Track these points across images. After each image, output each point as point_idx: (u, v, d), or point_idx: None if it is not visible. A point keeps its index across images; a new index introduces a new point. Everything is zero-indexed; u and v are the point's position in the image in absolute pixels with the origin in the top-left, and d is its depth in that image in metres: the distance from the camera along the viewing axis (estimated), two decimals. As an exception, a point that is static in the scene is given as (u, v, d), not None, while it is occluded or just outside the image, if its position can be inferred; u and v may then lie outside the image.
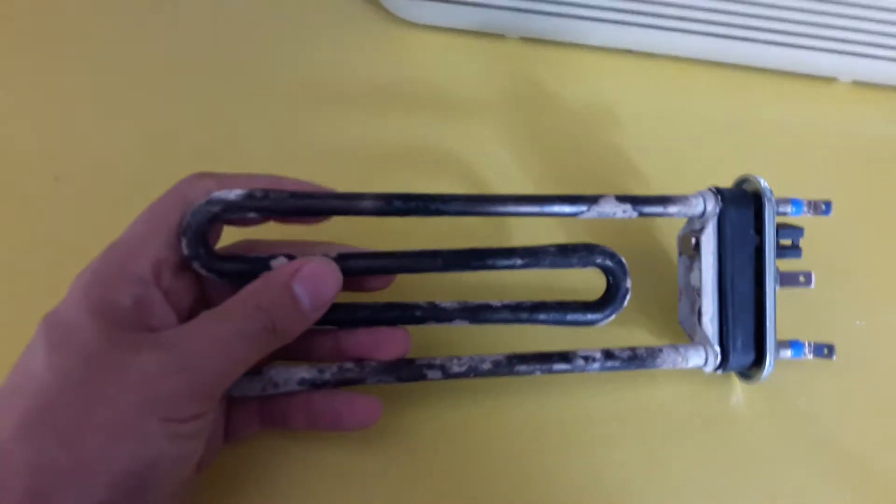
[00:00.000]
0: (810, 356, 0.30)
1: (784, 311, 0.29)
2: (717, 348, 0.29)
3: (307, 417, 0.27)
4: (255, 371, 0.26)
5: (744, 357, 0.29)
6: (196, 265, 0.25)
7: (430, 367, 0.27)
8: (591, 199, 0.28)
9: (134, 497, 0.21)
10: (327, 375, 0.26)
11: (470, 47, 0.42)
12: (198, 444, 0.23)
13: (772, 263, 0.29)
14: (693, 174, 0.35)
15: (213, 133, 0.38)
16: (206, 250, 0.25)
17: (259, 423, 0.27)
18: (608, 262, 0.28)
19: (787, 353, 0.30)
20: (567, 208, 0.28)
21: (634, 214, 0.28)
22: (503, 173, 0.37)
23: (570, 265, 0.28)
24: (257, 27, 0.42)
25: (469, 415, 0.30)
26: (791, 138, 0.39)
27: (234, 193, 0.25)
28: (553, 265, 0.28)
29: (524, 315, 0.28)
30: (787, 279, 0.30)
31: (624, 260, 0.28)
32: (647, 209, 0.28)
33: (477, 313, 0.28)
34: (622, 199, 0.28)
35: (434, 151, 0.38)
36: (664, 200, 0.29)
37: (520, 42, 0.42)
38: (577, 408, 0.30)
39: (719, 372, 0.30)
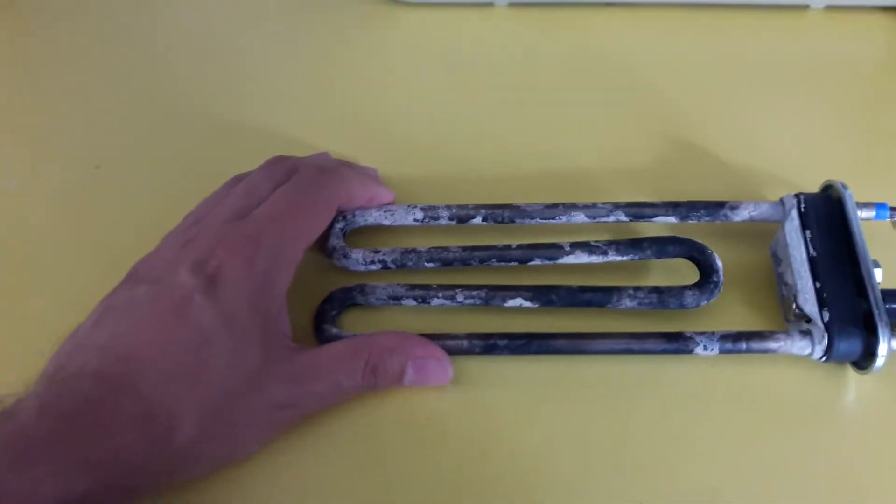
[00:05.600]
0: None
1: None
2: (824, 333, 0.28)
3: None
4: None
5: (852, 342, 0.27)
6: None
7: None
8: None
9: None
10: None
11: (463, 18, 0.43)
12: None
13: (866, 254, 0.28)
14: (683, 115, 0.38)
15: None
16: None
17: None
18: (694, 252, 0.30)
19: None
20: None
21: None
22: (511, 132, 0.38)
23: (644, 257, 0.30)
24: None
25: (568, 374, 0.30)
26: (771, 70, 0.41)
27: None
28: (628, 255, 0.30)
29: (614, 299, 0.30)
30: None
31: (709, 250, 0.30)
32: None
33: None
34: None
35: (444, 122, 0.39)
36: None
37: (508, 8, 0.44)
38: (673, 379, 0.29)
39: (824, 359, 0.28)
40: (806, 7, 0.44)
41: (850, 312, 0.28)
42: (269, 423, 0.27)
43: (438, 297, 0.30)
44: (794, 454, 0.27)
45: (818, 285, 0.28)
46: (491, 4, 0.44)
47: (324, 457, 0.27)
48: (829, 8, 0.43)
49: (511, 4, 0.44)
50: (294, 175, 0.31)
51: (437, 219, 0.32)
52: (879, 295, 0.28)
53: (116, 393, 0.24)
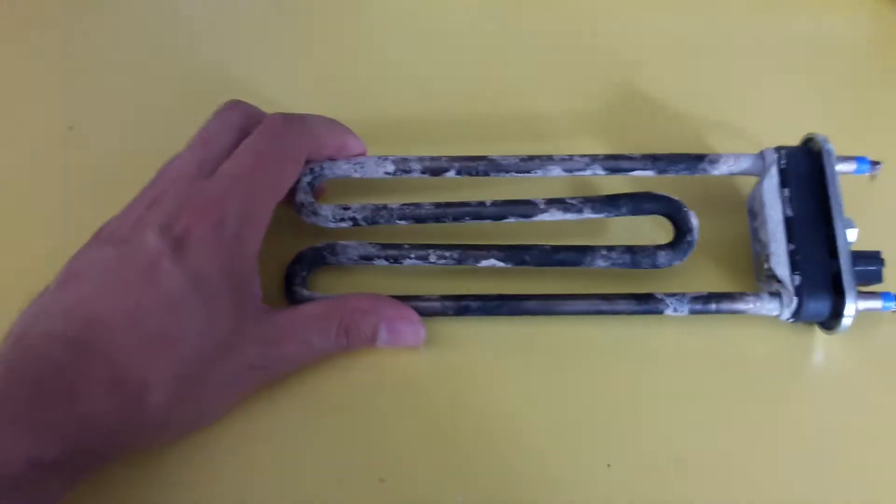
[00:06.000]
0: None
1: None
2: (793, 296, 0.28)
3: None
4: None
5: (820, 304, 0.28)
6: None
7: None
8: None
9: None
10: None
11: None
12: None
13: (840, 212, 0.28)
14: (656, 73, 0.37)
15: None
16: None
17: None
18: (670, 210, 0.29)
19: (877, 304, 0.28)
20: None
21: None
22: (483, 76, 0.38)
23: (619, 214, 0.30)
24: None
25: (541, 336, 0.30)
26: (752, 36, 0.39)
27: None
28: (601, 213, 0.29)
29: (587, 259, 0.29)
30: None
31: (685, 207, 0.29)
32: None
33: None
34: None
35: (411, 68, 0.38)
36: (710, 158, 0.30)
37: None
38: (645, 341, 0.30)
39: (792, 320, 0.28)
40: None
41: (821, 274, 0.28)
42: (240, 385, 0.27)
43: (411, 258, 0.30)
44: (761, 412, 0.28)
45: (792, 247, 0.28)
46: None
47: (295, 419, 0.28)
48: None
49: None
50: (258, 127, 0.29)
51: (409, 171, 0.31)
52: (849, 256, 0.28)
53: (85, 357, 0.24)
